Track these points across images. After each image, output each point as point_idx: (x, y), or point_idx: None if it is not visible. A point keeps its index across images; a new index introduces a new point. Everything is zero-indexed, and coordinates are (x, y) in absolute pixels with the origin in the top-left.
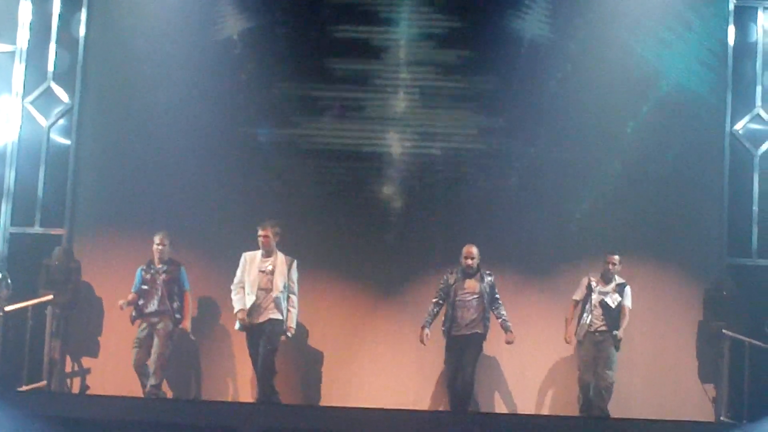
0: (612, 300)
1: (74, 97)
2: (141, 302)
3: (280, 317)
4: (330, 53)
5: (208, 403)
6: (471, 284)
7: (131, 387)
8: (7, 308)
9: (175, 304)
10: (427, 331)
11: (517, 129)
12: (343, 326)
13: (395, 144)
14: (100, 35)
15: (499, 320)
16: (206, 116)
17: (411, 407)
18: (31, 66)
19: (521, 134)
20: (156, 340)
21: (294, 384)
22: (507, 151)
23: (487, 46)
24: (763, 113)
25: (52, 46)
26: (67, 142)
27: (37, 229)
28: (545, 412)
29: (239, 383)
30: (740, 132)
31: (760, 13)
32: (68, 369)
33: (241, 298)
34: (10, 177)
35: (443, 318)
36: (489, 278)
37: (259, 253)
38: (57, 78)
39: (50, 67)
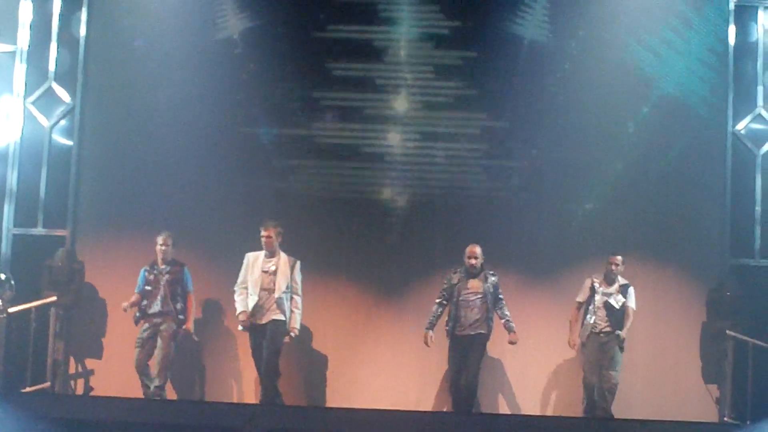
0: (616, 301)
1: (75, 97)
2: (144, 303)
3: (283, 318)
4: (331, 53)
5: (212, 404)
6: (474, 284)
7: (135, 388)
8: (11, 309)
9: (179, 305)
10: (431, 333)
11: (519, 129)
12: (344, 327)
13: (397, 144)
14: (100, 35)
15: (503, 320)
16: (208, 116)
17: (413, 408)
18: (32, 66)
19: (523, 135)
20: (159, 342)
21: (297, 385)
22: (508, 152)
23: (488, 46)
24: (764, 113)
25: (53, 46)
26: (69, 142)
27: (39, 230)
28: (548, 412)
29: (243, 384)
30: (742, 132)
31: (760, 12)
32: (72, 370)
33: (244, 300)
34: (12, 178)
35: (446, 318)
36: (493, 278)
37: (262, 253)
38: (58, 78)
39: (51, 67)
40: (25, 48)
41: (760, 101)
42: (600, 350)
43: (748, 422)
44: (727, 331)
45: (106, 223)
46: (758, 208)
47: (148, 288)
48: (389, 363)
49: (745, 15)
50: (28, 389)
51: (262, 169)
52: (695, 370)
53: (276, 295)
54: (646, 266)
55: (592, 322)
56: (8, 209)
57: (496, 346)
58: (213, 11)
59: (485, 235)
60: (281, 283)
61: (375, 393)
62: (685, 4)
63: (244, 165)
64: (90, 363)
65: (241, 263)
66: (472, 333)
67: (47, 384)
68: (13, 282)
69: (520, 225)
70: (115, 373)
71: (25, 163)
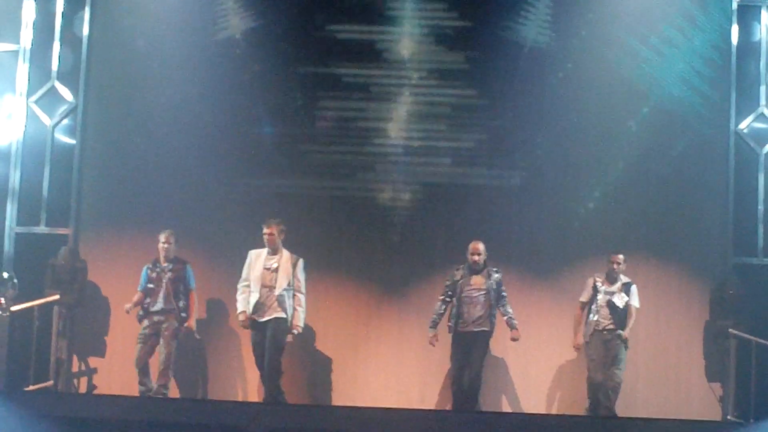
0: (619, 300)
1: (78, 96)
2: (147, 301)
3: (284, 316)
4: (333, 53)
5: (215, 402)
6: (477, 280)
7: (138, 387)
8: (14, 308)
9: (181, 303)
10: (435, 332)
11: (521, 129)
12: (347, 326)
13: (399, 144)
14: (103, 34)
15: (505, 317)
16: (210, 115)
17: (416, 406)
18: (35, 65)
19: (524, 134)
20: (162, 340)
21: (300, 384)
22: (510, 151)
23: (490, 46)
24: (767, 112)
25: (56, 46)
26: (72, 141)
27: (42, 228)
28: (551, 411)
29: (246, 383)
30: (745, 131)
31: (763, 12)
32: (75, 369)
33: (245, 299)
34: (15, 177)
35: (449, 314)
36: (496, 275)
37: (265, 250)
38: (61, 77)
39: (54, 67)
40: (28, 47)
41: (762, 100)
42: (604, 348)
43: (751, 420)
44: (730, 330)
45: (108, 222)
46: (761, 207)
47: (151, 286)
48: (391, 361)
49: (748, 15)
50: (31, 387)
51: (264, 168)
52: (698, 368)
53: (276, 292)
54: (649, 265)
55: (595, 320)
56: (11, 208)
57: (499, 344)
58: (216, 11)
59: (487, 234)
60: (282, 281)
61: (377, 391)
62: (689, 3)
63: (246, 164)
64: (93, 361)
65: (243, 262)
66: (475, 330)
67: (50, 382)
68: (16, 280)
69: (522, 224)
70: (118, 372)
71: (27, 161)
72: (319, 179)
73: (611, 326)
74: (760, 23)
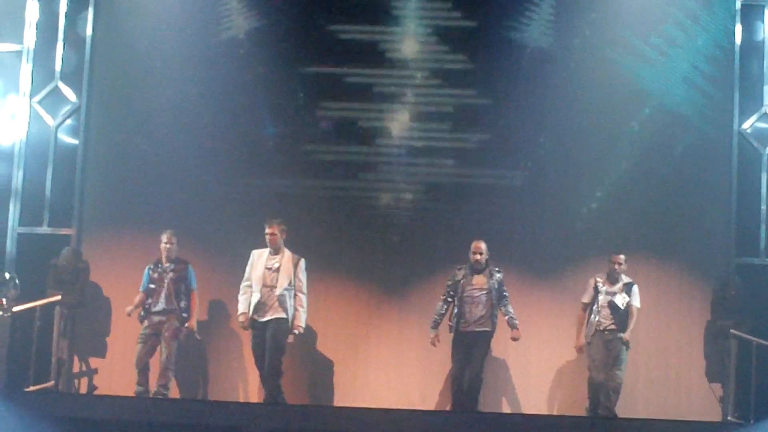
0: (621, 300)
1: (81, 96)
2: (149, 301)
3: (285, 316)
4: (336, 53)
5: (216, 403)
6: (479, 280)
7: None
8: (15, 308)
9: (182, 303)
10: (436, 332)
11: (523, 129)
12: (347, 326)
13: (400, 144)
14: (106, 35)
15: (506, 317)
16: (213, 115)
17: (417, 407)
18: (39, 65)
19: (527, 134)
20: (162, 340)
21: (300, 384)
22: (513, 151)
23: (493, 46)
24: None
25: (59, 46)
26: (75, 141)
27: (45, 229)
28: (552, 411)
29: (246, 383)
30: (748, 131)
31: (767, 11)
32: (76, 369)
33: (246, 299)
34: (17, 177)
35: (451, 314)
36: (498, 275)
37: (266, 250)
38: (64, 77)
39: (57, 67)
40: (32, 47)
41: (766, 100)
42: (605, 348)
43: (751, 421)
44: (731, 330)
45: (111, 222)
46: (764, 207)
47: (152, 286)
48: (392, 361)
49: (751, 14)
50: (32, 388)
51: (266, 168)
52: (699, 369)
53: (278, 292)
54: (650, 265)
55: (596, 321)
56: (14, 208)
57: (500, 344)
58: (219, 11)
59: (489, 234)
60: (283, 281)
61: (378, 392)
62: (692, 2)
63: (248, 164)
64: (94, 362)
65: (244, 262)
66: (477, 329)
67: (51, 383)
68: (17, 281)
69: (524, 224)
70: (118, 373)
71: (30, 162)
72: (321, 179)
73: (612, 327)
74: (763, 23)
